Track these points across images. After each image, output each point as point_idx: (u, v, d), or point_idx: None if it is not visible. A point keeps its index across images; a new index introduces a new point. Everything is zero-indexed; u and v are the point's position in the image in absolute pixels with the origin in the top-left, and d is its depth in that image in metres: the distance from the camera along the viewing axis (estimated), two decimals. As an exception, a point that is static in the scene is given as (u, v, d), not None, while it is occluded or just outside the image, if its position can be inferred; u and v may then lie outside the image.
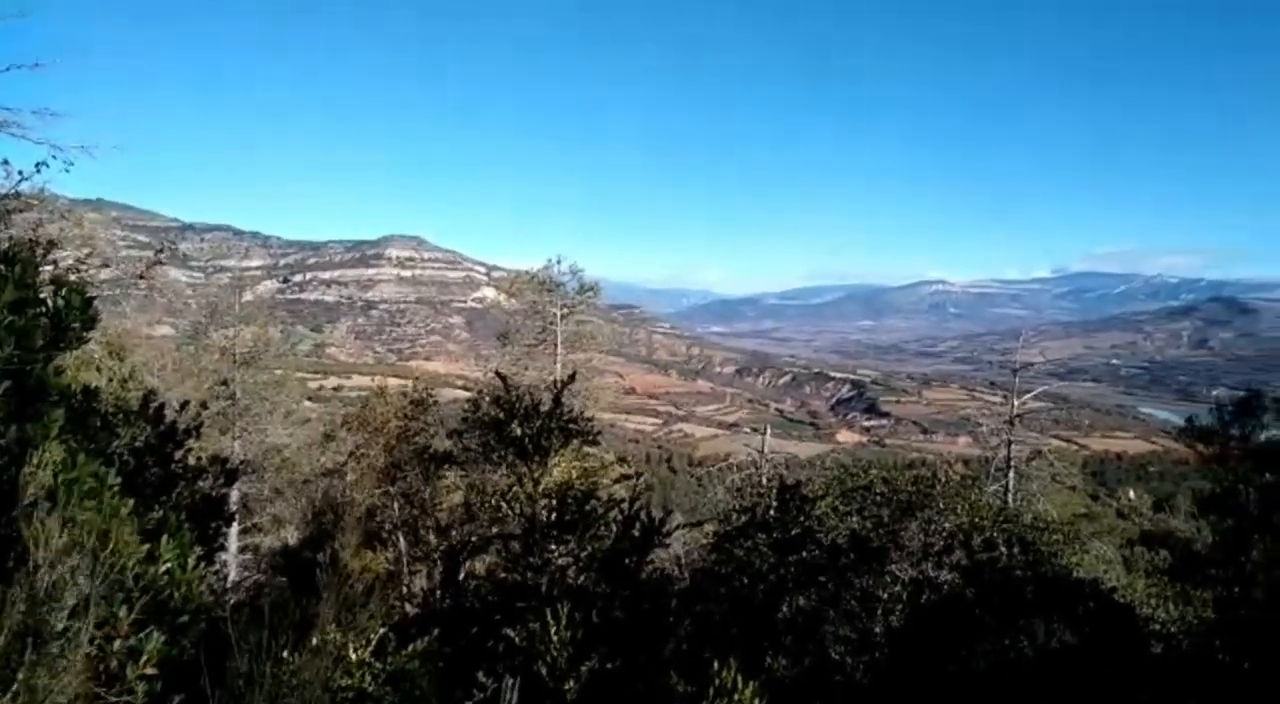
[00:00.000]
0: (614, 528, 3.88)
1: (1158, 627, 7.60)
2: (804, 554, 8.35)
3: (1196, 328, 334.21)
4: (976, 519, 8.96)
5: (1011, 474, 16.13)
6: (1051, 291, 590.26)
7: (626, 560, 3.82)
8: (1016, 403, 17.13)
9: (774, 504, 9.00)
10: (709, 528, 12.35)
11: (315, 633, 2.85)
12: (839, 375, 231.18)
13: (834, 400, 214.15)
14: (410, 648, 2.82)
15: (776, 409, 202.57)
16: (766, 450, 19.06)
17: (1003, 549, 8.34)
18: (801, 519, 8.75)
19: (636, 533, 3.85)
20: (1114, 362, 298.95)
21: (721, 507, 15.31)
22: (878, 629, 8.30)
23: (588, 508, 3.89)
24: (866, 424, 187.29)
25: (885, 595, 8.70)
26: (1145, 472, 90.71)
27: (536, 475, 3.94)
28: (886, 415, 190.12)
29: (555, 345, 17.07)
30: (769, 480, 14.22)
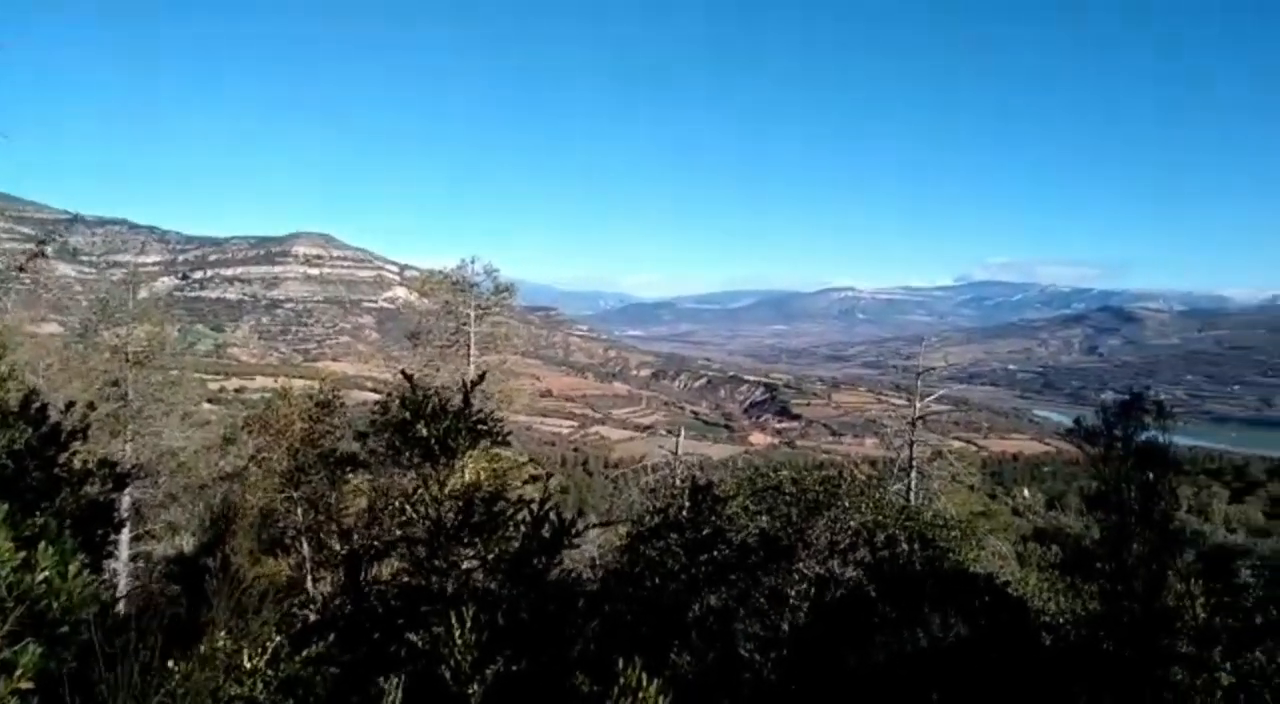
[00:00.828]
0: (523, 529, 3.85)
1: (1048, 619, 7.98)
2: (715, 553, 8.45)
3: (1087, 335, 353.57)
4: (880, 517, 9.25)
5: (914, 473, 16.73)
6: (954, 299, 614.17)
7: (535, 562, 3.79)
8: (919, 405, 17.77)
9: (686, 505, 9.09)
10: (623, 529, 12.39)
11: (205, 642, 2.74)
12: (753, 378, 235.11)
13: (748, 403, 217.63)
14: (303, 654, 2.73)
15: (692, 411, 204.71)
16: (680, 452, 19.23)
17: (904, 546, 8.63)
18: (713, 519, 8.86)
19: (546, 534, 3.83)
20: (1011, 366, 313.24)
21: (636, 507, 15.39)
22: (786, 625, 8.47)
23: (496, 509, 3.85)
24: (778, 426, 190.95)
25: (793, 592, 8.89)
26: (1039, 471, 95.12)
27: (443, 477, 3.87)
28: (798, 418, 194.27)
29: (469, 346, 16.82)
30: (682, 481, 14.35)
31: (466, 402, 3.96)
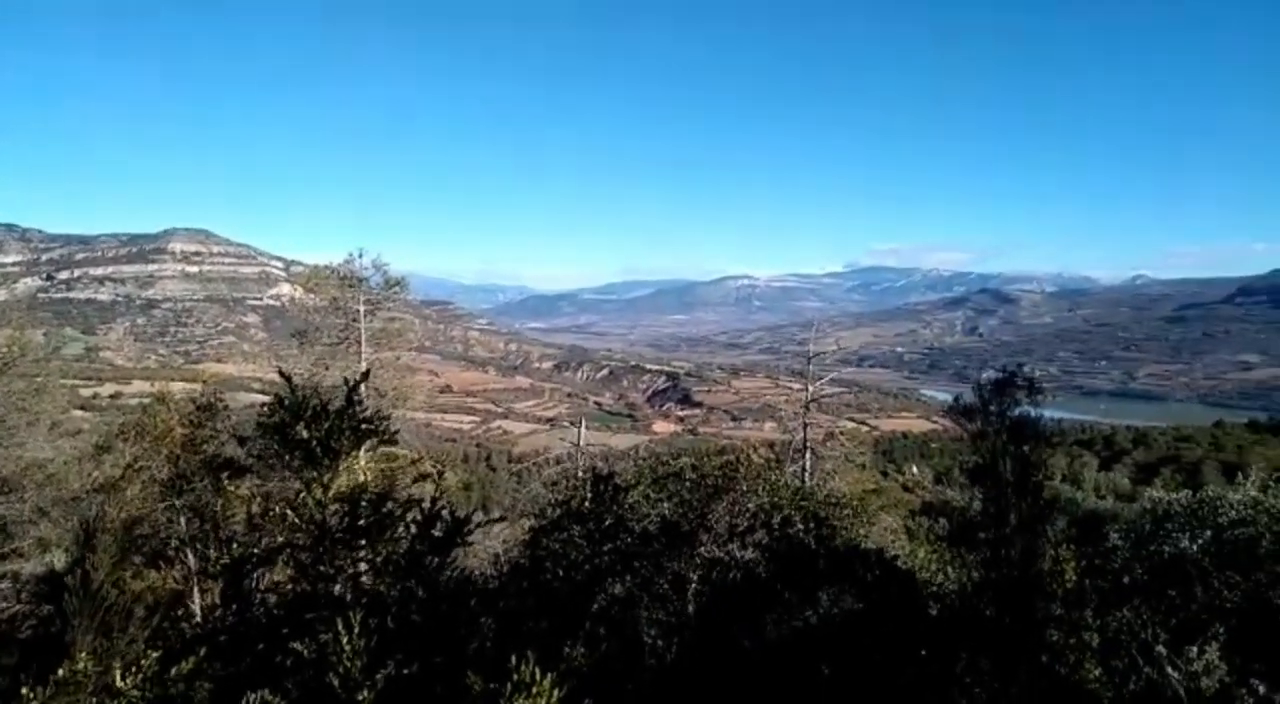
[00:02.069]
0: (413, 529, 3.75)
1: (934, 588, 8.35)
2: (617, 542, 8.49)
3: (968, 317, 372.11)
4: (776, 499, 9.45)
5: (808, 455, 17.22)
6: (844, 285, 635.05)
7: (427, 561, 3.71)
8: (811, 389, 18.28)
9: (588, 495, 9.09)
10: (527, 522, 12.27)
11: (65, 664, 2.56)
12: (654, 368, 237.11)
13: (650, 392, 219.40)
14: (174, 670, 2.58)
15: (595, 402, 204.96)
16: (583, 443, 19.20)
17: (799, 525, 8.86)
18: (615, 508, 8.89)
19: (437, 533, 3.74)
20: (899, 349, 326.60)
21: (540, 501, 15.28)
22: (690, 609, 8.59)
23: (384, 510, 3.73)
24: (681, 414, 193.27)
25: (695, 577, 9.02)
26: (928, 448, 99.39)
27: (327, 480, 3.73)
28: (699, 405, 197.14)
29: (359, 343, 16.31)
30: (584, 472, 14.35)
31: (350, 401, 3.82)
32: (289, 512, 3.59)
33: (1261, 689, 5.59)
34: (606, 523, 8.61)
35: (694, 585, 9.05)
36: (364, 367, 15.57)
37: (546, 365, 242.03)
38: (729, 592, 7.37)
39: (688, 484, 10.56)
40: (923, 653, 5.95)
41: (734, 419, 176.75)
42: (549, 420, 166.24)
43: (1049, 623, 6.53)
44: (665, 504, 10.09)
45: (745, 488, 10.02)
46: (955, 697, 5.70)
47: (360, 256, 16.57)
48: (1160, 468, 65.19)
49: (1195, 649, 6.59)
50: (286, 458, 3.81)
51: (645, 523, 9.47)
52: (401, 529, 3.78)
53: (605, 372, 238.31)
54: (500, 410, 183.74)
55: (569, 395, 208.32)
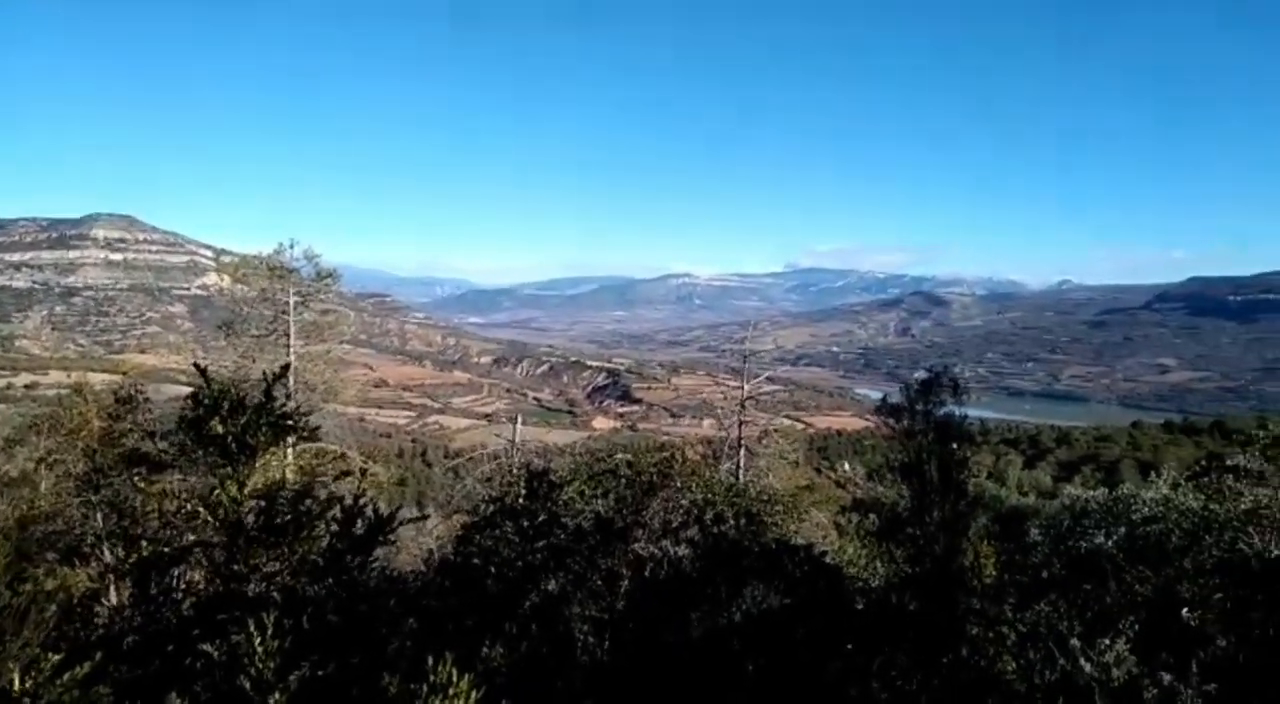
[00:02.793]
0: (333, 527, 3.65)
1: (861, 583, 8.51)
2: (551, 539, 8.44)
3: (902, 318, 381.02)
4: (710, 495, 9.53)
5: (743, 452, 17.42)
6: (783, 285, 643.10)
7: (347, 560, 3.62)
8: (747, 387, 18.49)
9: (523, 492, 9.03)
10: (458, 519, 12.16)
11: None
12: (595, 364, 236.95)
13: (590, 388, 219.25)
14: (68, 675, 2.46)
15: (535, 398, 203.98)
16: (520, 439, 19.06)
17: (731, 522, 8.94)
18: (549, 505, 8.84)
19: (359, 531, 3.65)
20: (835, 348, 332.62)
21: (474, 497, 15.14)
22: (621, 606, 8.59)
23: (302, 508, 3.63)
24: (621, 410, 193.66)
25: (628, 573, 9.03)
26: (861, 445, 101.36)
27: (243, 477, 3.61)
28: (639, 401, 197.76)
29: (288, 336, 15.89)
30: (518, 469, 14.24)
31: (268, 395, 3.70)
32: (201, 509, 3.47)
33: (1166, 679, 5.82)
34: (540, 519, 8.56)
35: (626, 582, 9.07)
36: (293, 359, 15.17)
37: (485, 360, 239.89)
38: (660, 588, 7.40)
39: (623, 481, 10.57)
40: (849, 647, 6.05)
41: (673, 416, 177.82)
42: (487, 416, 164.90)
43: (970, 616, 6.70)
44: (600, 501, 10.09)
45: (680, 484, 10.07)
46: (879, 690, 5.82)
47: (291, 247, 16.15)
48: (1081, 466, 67.71)
49: (1107, 641, 6.82)
50: (200, 454, 3.67)
51: (579, 519, 9.45)
52: (322, 527, 3.69)
53: (546, 367, 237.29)
54: (437, 406, 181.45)
55: (508, 391, 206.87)
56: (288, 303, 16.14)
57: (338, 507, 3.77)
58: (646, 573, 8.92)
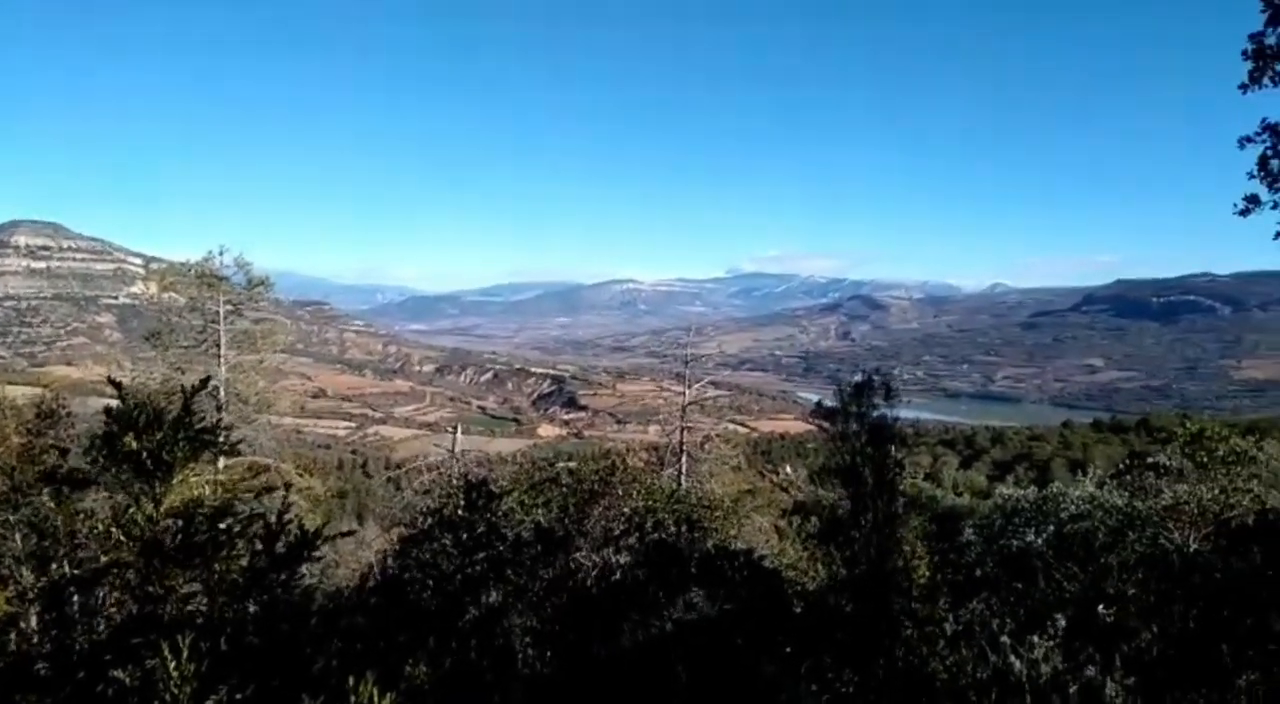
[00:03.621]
0: (255, 545, 3.54)
1: (801, 587, 8.60)
2: (491, 551, 8.35)
3: (841, 322, 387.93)
4: (651, 502, 9.55)
5: (685, 458, 17.51)
6: (727, 290, 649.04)
7: (271, 578, 3.51)
8: (688, 393, 18.61)
9: (461, 503, 8.92)
10: (397, 532, 11.96)
11: None
12: (540, 371, 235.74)
13: (535, 395, 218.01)
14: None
15: (479, 406, 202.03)
16: (462, 448, 18.85)
17: (672, 528, 8.96)
18: (488, 516, 8.74)
19: (281, 548, 3.55)
20: (777, 352, 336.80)
21: (414, 509, 14.88)
22: (562, 616, 8.54)
23: (222, 526, 3.52)
24: (566, 417, 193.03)
25: (571, 583, 8.98)
26: (803, 448, 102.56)
27: (159, 494, 3.48)
28: (585, 408, 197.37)
29: (219, 346, 15.44)
30: (458, 479, 14.07)
31: (186, 409, 3.58)
32: (114, 528, 3.33)
33: (1090, 672, 6.00)
34: (479, 531, 8.46)
35: (568, 592, 9.02)
36: (223, 370, 14.75)
37: (428, 368, 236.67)
38: (600, 597, 7.36)
39: (564, 490, 10.54)
40: (787, 650, 6.10)
41: (619, 422, 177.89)
42: (430, 425, 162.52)
43: (904, 617, 6.81)
44: (541, 511, 10.04)
45: (621, 492, 10.08)
46: (818, 691, 5.87)
47: (221, 254, 15.71)
48: (1015, 465, 69.62)
49: (1036, 638, 7.01)
50: (114, 471, 3.54)
51: (520, 530, 9.38)
52: (244, 545, 3.57)
53: (489, 375, 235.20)
54: (378, 415, 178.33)
55: (451, 399, 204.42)
56: (218, 312, 15.70)
57: (259, 524, 3.66)
58: (588, 582, 8.89)
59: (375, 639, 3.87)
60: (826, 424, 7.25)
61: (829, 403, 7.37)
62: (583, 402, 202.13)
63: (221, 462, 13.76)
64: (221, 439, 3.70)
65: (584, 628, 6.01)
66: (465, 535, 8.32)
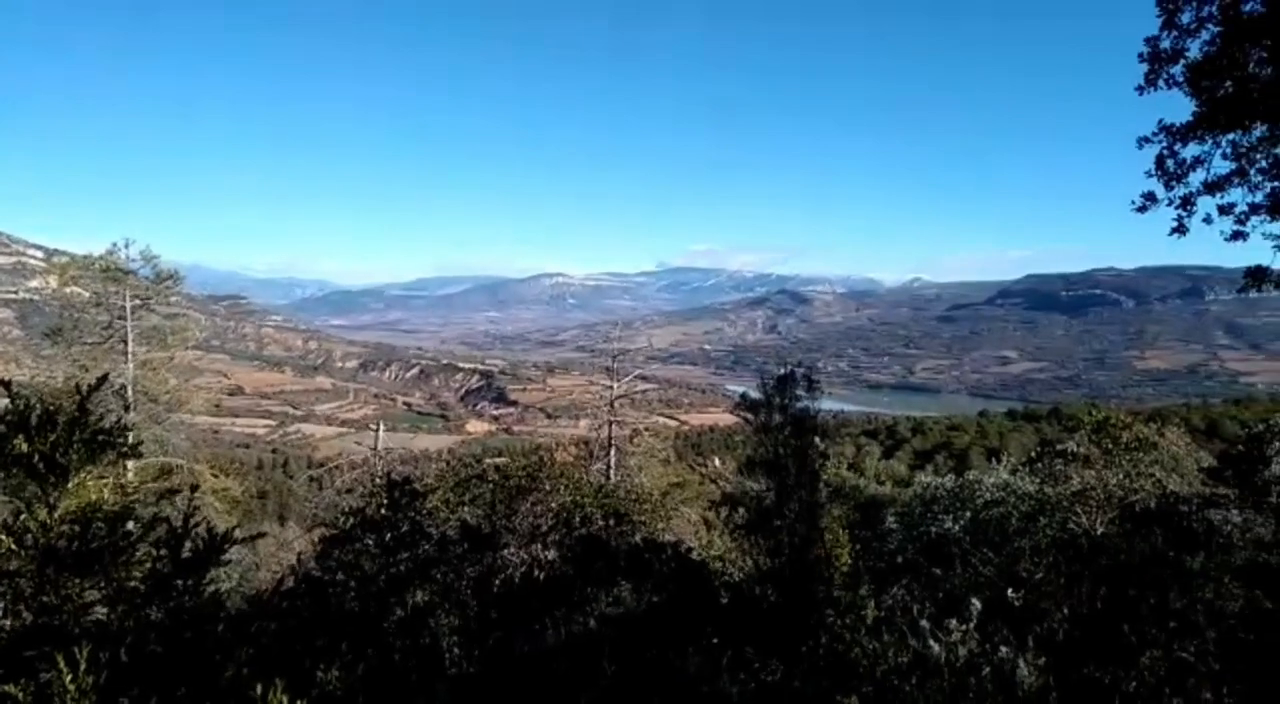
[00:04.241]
0: (159, 550, 3.38)
1: (727, 577, 8.68)
2: (416, 550, 8.22)
3: (769, 316, 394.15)
4: (579, 497, 9.51)
5: (613, 452, 17.50)
6: (655, 284, 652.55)
7: (177, 584, 3.36)
8: (616, 387, 18.59)
9: (385, 502, 8.76)
10: (319, 533, 11.66)
11: None
12: (468, 366, 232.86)
13: (463, 391, 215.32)
14: None
15: (405, 403, 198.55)
16: (390, 445, 18.45)
17: (600, 522, 8.94)
18: (412, 515, 8.60)
19: (188, 553, 3.39)
20: (706, 346, 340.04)
21: (336, 509, 14.51)
22: (493, 615, 8.44)
23: (123, 531, 3.34)
24: (495, 413, 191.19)
25: (498, 580, 8.89)
26: (732, 440, 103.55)
27: (54, 499, 3.29)
28: (514, 403, 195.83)
29: (126, 342, 14.74)
30: (380, 478, 13.79)
31: (82, 408, 3.39)
32: (4, 536, 3.13)
33: (1003, 652, 6.21)
34: (403, 530, 8.31)
35: (495, 589, 8.92)
36: (131, 368, 14.09)
37: (351, 365, 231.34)
38: (528, 593, 7.30)
39: (491, 486, 10.41)
40: (714, 641, 6.14)
41: (549, 417, 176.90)
42: (353, 423, 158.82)
43: (828, 604, 6.93)
44: (466, 508, 9.91)
45: (549, 488, 10.01)
46: (745, 680, 5.93)
47: (127, 247, 14.95)
48: (935, 454, 71.79)
49: (954, 621, 7.23)
50: (4, 475, 3.32)
51: (446, 528, 9.24)
52: (147, 551, 3.40)
53: (416, 371, 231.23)
54: (299, 413, 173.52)
55: (376, 396, 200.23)
56: (125, 307, 14.97)
57: (164, 527, 3.49)
58: (516, 578, 8.81)
59: (291, 644, 3.74)
60: (750, 417, 7.33)
61: (753, 395, 7.44)
62: (512, 397, 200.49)
63: (130, 464, 13.18)
64: (123, 440, 3.52)
65: (510, 625, 5.94)
66: (388, 535, 8.16)
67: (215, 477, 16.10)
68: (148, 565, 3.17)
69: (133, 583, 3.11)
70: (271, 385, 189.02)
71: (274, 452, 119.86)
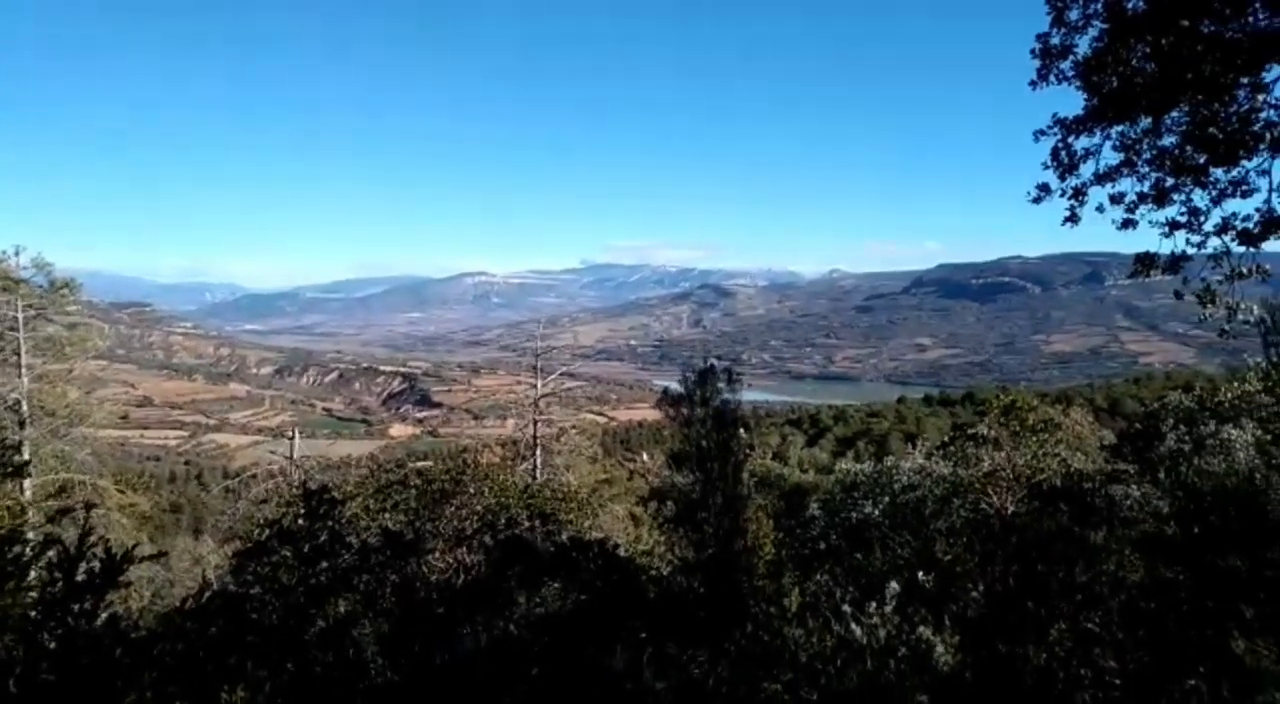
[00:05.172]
0: (53, 573, 3.20)
1: (655, 572, 8.73)
2: (336, 560, 8.02)
3: (693, 310, 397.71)
4: (504, 499, 9.42)
5: (539, 451, 17.41)
6: (580, 281, 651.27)
7: (72, 607, 3.19)
8: (540, 385, 18.50)
9: (301, 512, 8.52)
10: (232, 547, 11.29)
11: None
12: (389, 369, 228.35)
13: (385, 395, 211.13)
14: None
15: (324, 409, 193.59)
16: (300, 454, 17.92)
17: (526, 523, 8.88)
18: (330, 524, 8.38)
19: (83, 575, 3.23)
20: (633, 342, 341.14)
21: (253, 520, 14.04)
22: (417, 622, 8.29)
23: (12, 554, 3.16)
24: (420, 415, 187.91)
25: (421, 586, 8.74)
26: (661, 435, 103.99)
27: (-69, 523, 3.09)
28: (439, 405, 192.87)
29: (19, 355, 13.95)
30: (297, 487, 13.41)
31: (-40, 427, 3.18)
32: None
33: (921, 632, 6.41)
34: (321, 540, 8.09)
35: (420, 595, 8.77)
36: (25, 382, 13.34)
37: (266, 371, 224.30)
38: (454, 598, 7.20)
39: (414, 491, 10.22)
40: (641, 636, 6.16)
41: (476, 418, 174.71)
42: (270, 431, 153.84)
43: (753, 593, 7.04)
44: (388, 514, 9.71)
45: (473, 490, 9.87)
46: (673, 673, 5.98)
47: (17, 254, 14.13)
48: (856, 441, 73.47)
49: (874, 604, 7.43)
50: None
51: (367, 536, 9.04)
52: (43, 573, 3.22)
53: (335, 375, 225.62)
54: (213, 422, 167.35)
55: (293, 402, 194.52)
56: (16, 317, 14.15)
57: (57, 549, 3.31)
58: (442, 583, 8.67)
59: (201, 665, 3.60)
60: (673, 412, 7.38)
61: (675, 389, 7.50)
62: (437, 399, 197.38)
63: (27, 482, 12.49)
64: (12, 459, 3.31)
65: (432, 632, 5.85)
66: (306, 546, 7.94)
67: (122, 492, 15.39)
68: (39, 590, 3.00)
69: (18, 610, 2.93)
70: (182, 395, 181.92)
71: (187, 463, 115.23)
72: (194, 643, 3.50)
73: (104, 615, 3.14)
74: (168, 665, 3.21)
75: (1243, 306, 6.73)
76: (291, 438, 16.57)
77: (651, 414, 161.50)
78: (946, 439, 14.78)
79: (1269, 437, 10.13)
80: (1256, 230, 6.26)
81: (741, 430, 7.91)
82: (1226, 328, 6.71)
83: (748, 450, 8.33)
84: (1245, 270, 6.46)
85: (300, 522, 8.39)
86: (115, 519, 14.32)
